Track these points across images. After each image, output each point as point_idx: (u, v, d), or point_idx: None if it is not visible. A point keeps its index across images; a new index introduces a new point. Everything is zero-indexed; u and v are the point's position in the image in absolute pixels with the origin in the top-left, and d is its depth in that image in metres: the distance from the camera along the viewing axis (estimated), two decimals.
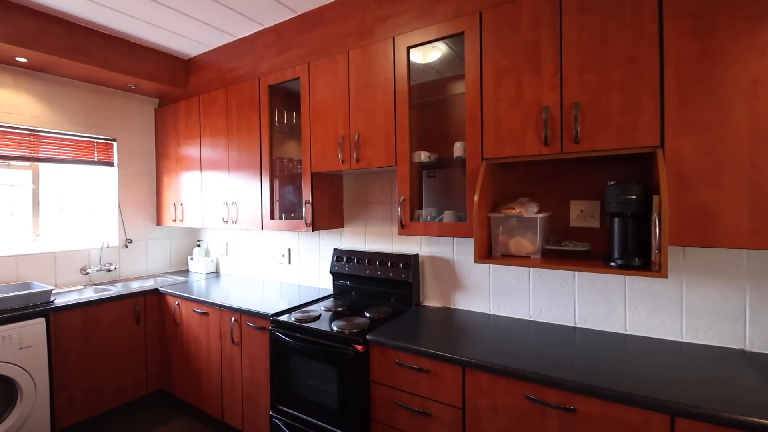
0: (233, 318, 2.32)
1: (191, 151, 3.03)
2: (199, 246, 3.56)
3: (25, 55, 2.38)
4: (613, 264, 1.45)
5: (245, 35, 2.68)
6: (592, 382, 1.25)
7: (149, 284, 3.02)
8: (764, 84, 1.21)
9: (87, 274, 2.96)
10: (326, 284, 2.68)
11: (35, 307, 2.24)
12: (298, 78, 2.30)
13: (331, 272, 2.47)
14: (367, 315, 2.04)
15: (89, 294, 2.66)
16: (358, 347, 1.72)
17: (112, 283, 3.04)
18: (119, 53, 2.72)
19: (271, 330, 2.05)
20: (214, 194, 2.85)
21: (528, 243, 1.62)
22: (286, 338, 1.97)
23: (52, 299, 2.38)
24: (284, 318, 2.05)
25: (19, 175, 2.72)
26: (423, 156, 1.90)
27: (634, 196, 1.41)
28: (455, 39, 1.82)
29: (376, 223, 2.43)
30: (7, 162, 2.64)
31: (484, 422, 1.45)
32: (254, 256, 3.13)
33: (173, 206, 3.22)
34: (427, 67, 2.08)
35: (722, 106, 1.27)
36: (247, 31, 2.62)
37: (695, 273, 1.58)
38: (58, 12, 2.35)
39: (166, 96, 3.30)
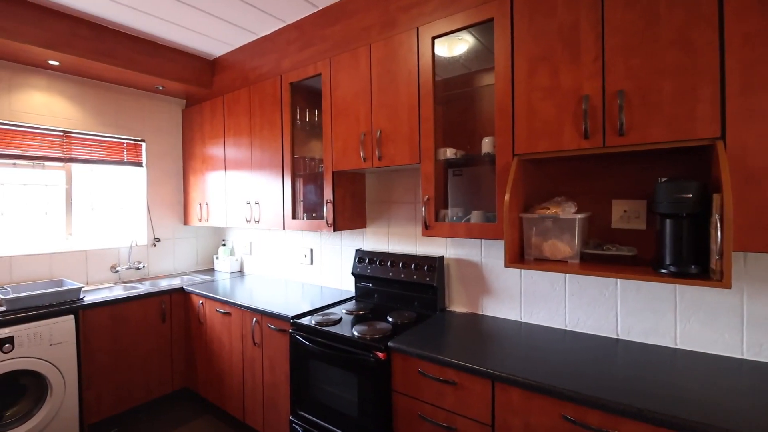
0: (254, 319, 2.29)
1: (216, 150, 3.04)
2: (224, 245, 3.58)
3: (57, 58, 2.44)
4: (664, 271, 1.29)
5: (268, 33, 2.65)
6: (642, 405, 1.10)
7: (176, 283, 3.05)
8: None
9: (117, 272, 3.03)
10: (348, 286, 2.61)
11: (65, 304, 2.29)
12: (320, 74, 2.24)
13: (353, 274, 2.40)
14: (390, 320, 1.95)
15: (117, 292, 2.71)
16: (380, 354, 1.63)
17: (140, 281, 3.09)
18: (146, 54, 2.75)
19: (291, 333, 2.00)
20: (238, 194, 2.84)
21: (565, 246, 1.48)
22: (305, 342, 1.91)
23: (81, 297, 2.42)
24: (304, 321, 1.99)
25: (53, 175, 2.80)
26: (449, 153, 1.79)
27: (691, 195, 1.25)
28: (483, 27, 1.70)
29: (400, 223, 2.34)
30: (41, 163, 2.72)
31: None
32: (277, 256, 3.11)
33: (199, 206, 3.25)
34: (452, 61, 1.97)
35: None
36: (269, 28, 2.59)
37: (759, 282, 1.39)
38: (87, 15, 2.39)
39: (193, 97, 3.34)
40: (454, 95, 1.98)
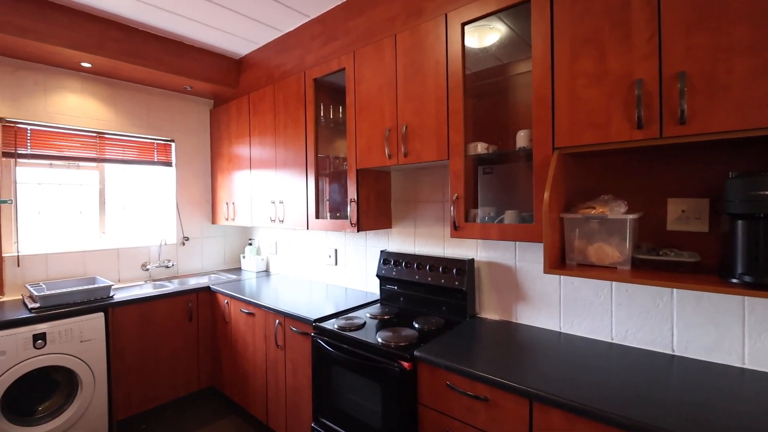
0: (277, 320, 2.24)
1: (242, 150, 3.03)
2: (250, 244, 3.59)
3: (89, 60, 2.49)
4: (736, 281, 1.11)
5: (291, 29, 2.60)
6: None
7: (203, 281, 3.06)
8: None
9: (147, 270, 3.08)
10: (373, 288, 2.52)
11: (95, 302, 2.33)
12: (343, 69, 2.16)
13: (377, 275, 2.30)
14: (416, 326, 1.84)
15: (146, 290, 2.74)
16: (405, 364, 1.52)
17: (169, 279, 3.13)
18: (174, 55, 2.77)
19: (313, 336, 1.93)
20: (263, 193, 2.82)
21: (613, 250, 1.32)
22: (327, 347, 1.84)
23: (111, 294, 2.46)
24: (326, 324, 1.92)
25: (87, 175, 2.88)
26: (480, 147, 1.66)
27: None
28: (517, 12, 1.56)
29: (427, 223, 2.22)
30: (76, 163, 2.80)
31: None
32: (302, 256, 3.06)
33: (226, 205, 3.26)
34: (483, 53, 1.83)
35: None
36: (293, 24, 2.53)
37: None
38: (117, 17, 2.42)
39: (220, 97, 3.35)
40: (485, 86, 1.84)
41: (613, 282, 1.58)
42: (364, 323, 1.91)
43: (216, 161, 3.38)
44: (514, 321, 1.87)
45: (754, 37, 1.06)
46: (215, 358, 2.85)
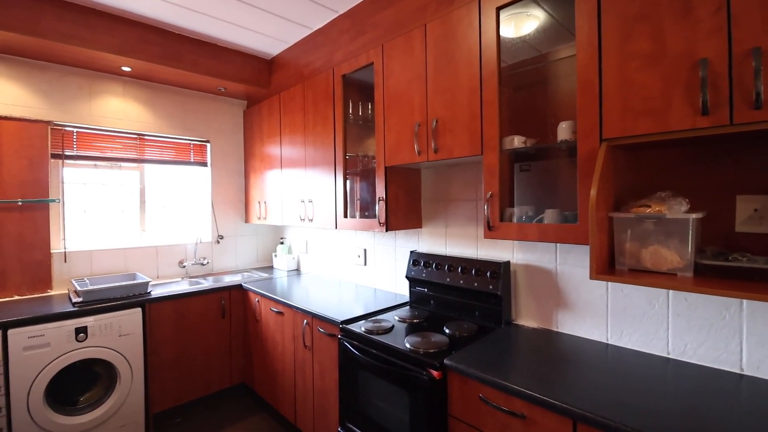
0: (305, 321, 2.22)
1: (273, 149, 3.04)
2: (282, 243, 3.61)
3: (129, 64, 2.58)
4: None
5: (321, 26, 2.57)
6: None
7: (236, 279, 3.11)
8: None
9: (184, 267, 3.17)
10: (403, 290, 2.43)
11: (133, 297, 2.41)
12: (371, 63, 2.09)
13: (407, 277, 2.22)
14: (447, 331, 1.74)
15: (182, 286, 2.81)
16: (434, 373, 1.43)
17: (204, 276, 3.21)
18: (208, 57, 2.82)
19: (339, 339, 1.88)
20: (293, 192, 2.81)
21: (672, 255, 1.16)
22: (354, 350, 1.78)
23: (148, 291, 2.54)
24: (353, 327, 1.86)
25: (128, 175, 2.99)
26: (516, 141, 1.53)
27: None
28: None
29: (459, 223, 2.11)
30: (118, 164, 2.92)
31: None
32: (331, 256, 3.04)
33: (258, 204, 3.29)
34: (520, 43, 1.69)
35: None
36: (322, 20, 2.50)
37: None
38: (154, 21, 2.49)
39: (253, 97, 3.40)
40: (522, 75, 1.71)
41: (670, 290, 1.41)
42: (392, 327, 1.84)
43: (249, 161, 3.43)
44: (555, 329, 1.72)
45: None
46: (247, 355, 2.88)
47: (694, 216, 1.13)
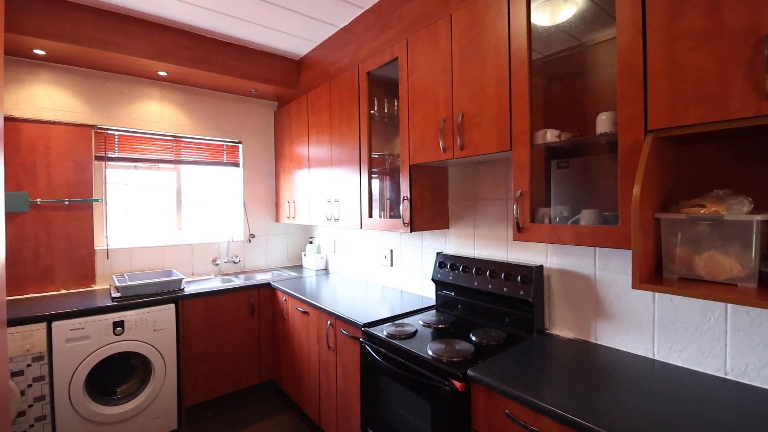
0: (329, 321, 2.19)
1: (301, 149, 3.05)
2: (311, 243, 3.63)
3: (164, 69, 2.68)
4: None
5: (346, 23, 2.54)
6: None
7: (267, 277, 3.15)
8: None
9: (217, 264, 3.26)
10: (429, 292, 2.35)
11: (167, 293, 2.49)
12: (396, 58, 2.02)
13: (433, 279, 2.13)
14: (473, 339, 1.64)
15: (214, 284, 2.88)
16: (457, 384, 1.35)
17: (236, 274, 3.28)
18: (238, 59, 2.87)
19: (361, 342, 1.83)
20: (319, 192, 2.80)
21: (732, 262, 1.01)
22: (375, 355, 1.72)
23: (182, 287, 2.62)
24: (375, 330, 1.80)
25: (166, 176, 3.11)
26: (549, 135, 1.41)
27: None
28: None
29: (488, 224, 2.00)
30: (157, 165, 3.04)
31: None
32: (359, 256, 3.00)
33: (287, 204, 3.32)
34: (556, 31, 1.55)
35: None
36: (348, 17, 2.47)
37: None
38: (185, 25, 2.57)
39: (283, 98, 3.43)
40: (556, 64, 1.57)
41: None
42: (416, 332, 1.76)
43: (279, 161, 3.47)
44: (593, 341, 1.58)
45: None
46: (275, 353, 2.91)
47: (758, 218, 0.97)
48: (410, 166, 1.96)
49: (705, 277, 1.05)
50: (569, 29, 1.54)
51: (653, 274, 1.12)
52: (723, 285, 1.02)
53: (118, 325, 2.24)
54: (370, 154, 2.27)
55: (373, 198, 2.31)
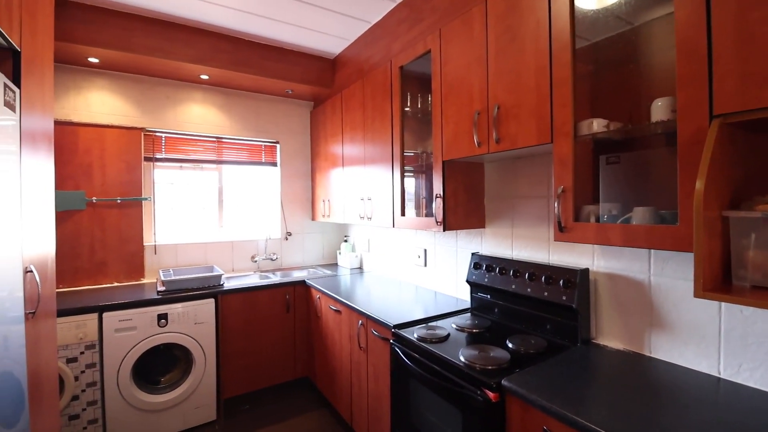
0: (360, 321, 2.16)
1: (335, 148, 3.06)
2: (346, 241, 3.63)
3: (206, 72, 2.78)
4: None
5: (379, 18, 2.50)
6: None
7: (302, 275, 3.19)
8: None
9: (255, 261, 3.34)
10: (464, 295, 2.25)
11: (208, 288, 2.58)
12: (429, 51, 1.95)
13: (467, 281, 2.04)
14: (510, 345, 1.54)
15: (251, 280, 2.96)
16: (490, 394, 1.26)
17: (273, 271, 3.35)
18: (275, 60, 2.92)
19: (391, 343, 1.78)
20: (353, 190, 2.79)
21: None
22: (405, 358, 1.66)
23: (221, 283, 2.71)
24: (405, 332, 1.74)
25: (208, 175, 3.24)
26: (596, 125, 1.28)
27: None
28: None
29: (527, 223, 1.87)
30: (200, 165, 3.17)
31: None
32: (392, 255, 2.95)
33: (323, 202, 3.34)
34: (604, 13, 1.41)
35: None
36: (381, 12, 2.43)
37: None
38: (224, 29, 2.65)
39: (318, 98, 3.46)
40: (603, 46, 1.43)
41: None
42: (448, 335, 1.68)
43: (315, 160, 3.51)
44: (647, 354, 1.42)
45: None
46: (309, 350, 2.93)
47: None
48: (443, 163, 1.88)
49: None
50: (618, 12, 1.39)
51: (720, 281, 0.98)
52: None
53: (162, 317, 2.35)
54: (402, 150, 2.22)
55: (406, 196, 2.25)
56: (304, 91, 3.29)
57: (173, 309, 2.40)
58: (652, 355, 1.40)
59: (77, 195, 2.58)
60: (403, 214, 2.23)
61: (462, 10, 1.79)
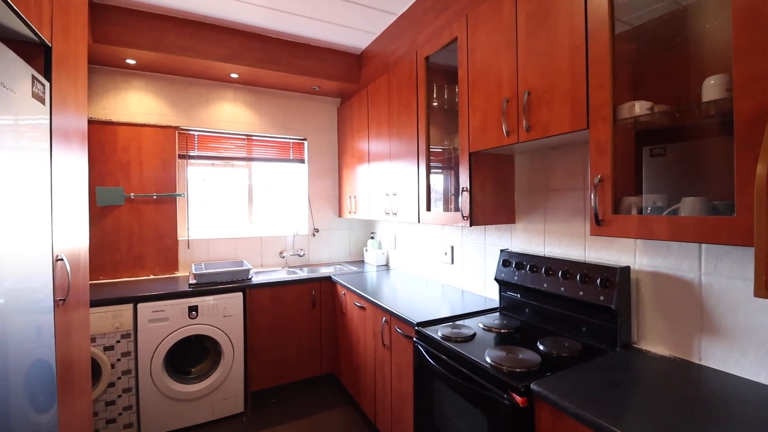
0: (384, 318, 2.12)
1: (361, 144, 3.03)
2: (372, 238, 3.60)
3: (236, 71, 2.83)
4: None
5: (404, 9, 2.45)
6: None
7: (329, 271, 3.20)
8: None
9: (283, 257, 3.39)
10: (493, 294, 2.16)
11: (237, 282, 2.63)
12: (455, 39, 1.87)
13: (496, 279, 1.94)
14: (541, 348, 1.44)
15: (279, 275, 2.98)
16: (517, 399, 1.18)
17: (301, 267, 3.38)
18: (302, 57, 2.94)
19: (414, 341, 1.73)
20: (378, 186, 2.75)
21: None
22: (428, 357, 1.60)
23: (250, 277, 2.75)
24: (429, 330, 1.68)
25: (239, 172, 3.31)
26: (638, 108, 1.16)
27: None
28: None
29: (561, 218, 1.76)
30: (231, 162, 3.25)
31: None
32: (419, 252, 2.89)
33: (349, 198, 3.33)
34: None
35: None
36: (407, 3, 2.38)
37: None
38: (253, 27, 2.69)
39: (345, 94, 3.45)
40: (644, 23, 1.30)
41: None
42: (474, 335, 1.61)
43: (341, 157, 3.50)
44: (696, 361, 1.28)
45: None
46: (335, 346, 2.93)
47: None
48: (470, 154, 1.80)
49: None
50: None
51: None
52: None
53: (193, 309, 2.41)
54: (427, 144, 2.15)
55: (433, 193, 2.18)
56: (331, 88, 3.29)
57: (204, 301, 2.46)
58: (702, 363, 1.26)
59: (117, 191, 2.70)
60: (428, 209, 2.16)
61: None
